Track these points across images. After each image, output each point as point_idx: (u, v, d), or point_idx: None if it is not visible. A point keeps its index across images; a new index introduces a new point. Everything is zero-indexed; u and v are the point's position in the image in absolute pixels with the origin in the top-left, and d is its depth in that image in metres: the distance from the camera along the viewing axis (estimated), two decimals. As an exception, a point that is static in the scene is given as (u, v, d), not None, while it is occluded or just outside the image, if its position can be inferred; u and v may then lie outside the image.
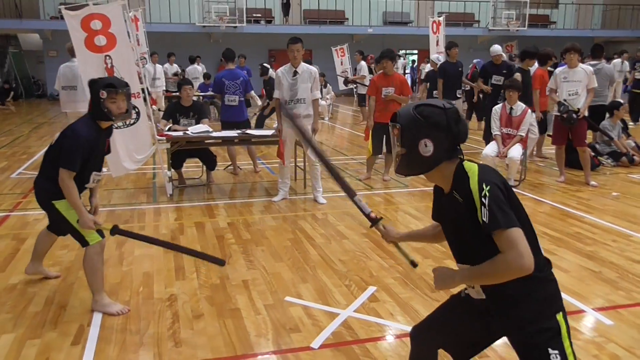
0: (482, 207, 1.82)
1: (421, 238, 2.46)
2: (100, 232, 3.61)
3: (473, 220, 1.85)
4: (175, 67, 16.15)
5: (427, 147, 1.94)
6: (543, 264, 1.97)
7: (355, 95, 15.99)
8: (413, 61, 24.44)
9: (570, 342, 1.95)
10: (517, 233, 1.78)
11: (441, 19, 14.21)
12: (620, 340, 3.25)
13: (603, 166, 8.07)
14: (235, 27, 20.75)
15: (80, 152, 3.42)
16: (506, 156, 6.83)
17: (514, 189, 6.22)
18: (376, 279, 4.15)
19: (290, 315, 3.56)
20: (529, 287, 1.90)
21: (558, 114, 7.02)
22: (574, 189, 6.93)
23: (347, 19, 23.25)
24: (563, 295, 3.80)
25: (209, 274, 4.23)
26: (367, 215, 2.39)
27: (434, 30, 14.17)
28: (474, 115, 12.80)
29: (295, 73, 6.08)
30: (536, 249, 1.93)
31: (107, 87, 3.45)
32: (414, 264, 2.37)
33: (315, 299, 3.80)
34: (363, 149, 9.55)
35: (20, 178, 7.55)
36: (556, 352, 1.89)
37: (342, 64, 18.41)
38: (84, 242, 3.59)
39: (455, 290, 2.21)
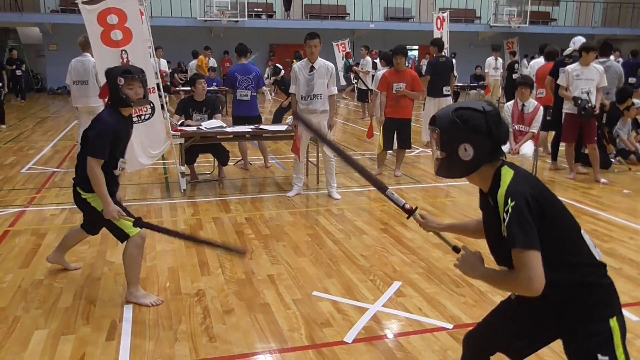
0: (504, 222, 1.81)
1: (463, 231, 2.40)
2: None
3: (499, 228, 1.87)
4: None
5: (467, 152, 1.91)
6: (592, 270, 1.92)
7: (356, 91, 16.00)
8: (414, 57, 24.44)
9: (625, 349, 1.87)
10: (532, 256, 1.75)
11: (445, 14, 14.22)
12: (647, 335, 3.29)
13: (613, 164, 8.08)
14: (237, 21, 20.71)
15: (107, 139, 3.49)
16: (518, 153, 6.87)
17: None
18: (400, 274, 4.18)
19: (320, 310, 3.59)
20: (575, 292, 1.88)
21: (571, 111, 7.05)
22: (585, 186, 6.98)
23: (349, 14, 23.23)
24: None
25: (233, 269, 4.25)
26: (402, 207, 2.36)
27: (438, 26, 14.19)
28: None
29: (312, 68, 6.07)
30: (584, 255, 1.91)
31: (124, 73, 3.56)
32: (456, 250, 2.26)
33: (343, 293, 3.83)
34: (371, 144, 9.58)
35: (30, 173, 7.53)
36: (606, 358, 1.84)
37: (343, 58, 18.42)
38: (123, 236, 3.63)
39: (505, 295, 2.21)
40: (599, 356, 1.84)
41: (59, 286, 3.93)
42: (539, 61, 9.39)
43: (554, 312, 1.94)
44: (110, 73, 3.59)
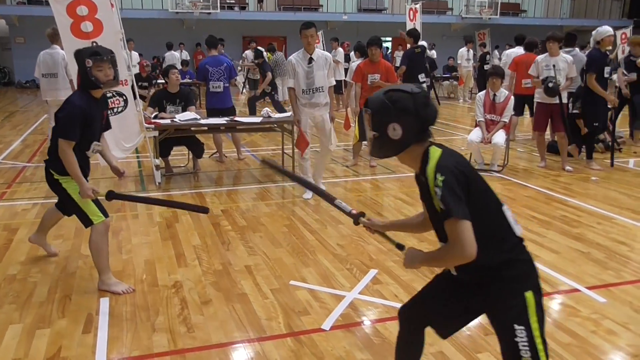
0: (436, 195, 1.90)
1: (405, 227, 2.51)
2: (104, 212, 3.72)
3: (433, 203, 1.96)
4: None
5: (396, 131, 2.01)
6: (512, 245, 2.03)
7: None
8: (387, 48, 24.54)
9: (539, 319, 1.98)
10: (462, 225, 1.86)
11: (418, 6, 14.31)
12: (614, 316, 3.40)
13: (582, 152, 8.22)
14: (209, 13, 20.48)
15: (76, 121, 3.51)
16: (490, 142, 6.99)
17: (498, 174, 6.35)
18: (376, 262, 4.24)
19: (297, 298, 3.62)
20: (498, 266, 1.99)
21: (542, 100, 7.18)
22: (554, 173, 7.13)
23: (322, 5, 23.16)
24: (557, 275, 3.98)
25: (210, 260, 4.26)
26: (349, 214, 2.46)
27: (411, 17, 14.29)
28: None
29: (311, 60, 5.79)
30: (504, 230, 2.02)
31: (92, 55, 3.54)
32: (400, 247, 2.32)
33: (320, 282, 3.87)
34: (346, 135, 9.62)
35: (0, 168, 7.38)
36: (522, 327, 1.96)
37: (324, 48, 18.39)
38: (87, 222, 3.69)
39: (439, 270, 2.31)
40: (515, 326, 1.97)
41: (33, 280, 3.88)
42: (514, 50, 9.56)
43: (475, 285, 2.06)
44: (79, 55, 3.58)
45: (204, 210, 3.80)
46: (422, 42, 11.82)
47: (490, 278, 2.01)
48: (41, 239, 4.25)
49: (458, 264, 1.92)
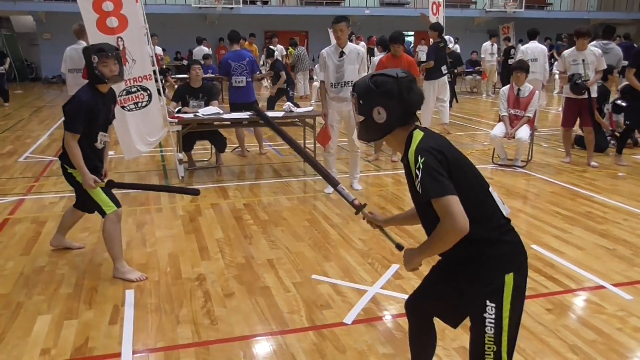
0: (416, 178, 1.91)
1: (404, 221, 2.52)
2: (115, 202, 3.86)
3: (414, 185, 1.96)
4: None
5: (380, 115, 2.05)
6: (497, 224, 2.02)
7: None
8: (409, 42, 24.38)
9: (512, 302, 1.98)
10: (450, 200, 1.85)
11: (441, 0, 14.18)
12: (641, 314, 3.35)
13: (610, 147, 8.09)
14: (232, 8, 20.57)
15: (80, 114, 3.65)
16: (514, 137, 6.91)
17: (522, 170, 6.22)
18: (398, 257, 4.22)
19: (319, 292, 3.64)
20: (480, 247, 1.98)
21: (570, 96, 7.05)
22: (579, 169, 7.02)
23: (344, 0, 23.10)
24: (582, 272, 3.93)
25: (233, 253, 4.30)
26: (352, 203, 2.44)
27: (434, 11, 14.16)
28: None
29: (342, 54, 5.75)
30: (490, 208, 2.02)
31: (97, 52, 3.70)
32: (399, 247, 2.38)
33: (341, 276, 3.88)
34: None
35: (28, 162, 7.54)
36: (493, 305, 1.97)
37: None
38: (102, 212, 3.83)
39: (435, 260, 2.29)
40: (487, 302, 1.98)
41: (61, 272, 3.97)
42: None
43: (461, 267, 2.05)
44: (86, 52, 3.74)
45: (195, 192, 4.05)
46: (447, 37, 11.71)
47: (472, 256, 1.99)
48: (61, 240, 4.36)
49: (454, 241, 1.88)
